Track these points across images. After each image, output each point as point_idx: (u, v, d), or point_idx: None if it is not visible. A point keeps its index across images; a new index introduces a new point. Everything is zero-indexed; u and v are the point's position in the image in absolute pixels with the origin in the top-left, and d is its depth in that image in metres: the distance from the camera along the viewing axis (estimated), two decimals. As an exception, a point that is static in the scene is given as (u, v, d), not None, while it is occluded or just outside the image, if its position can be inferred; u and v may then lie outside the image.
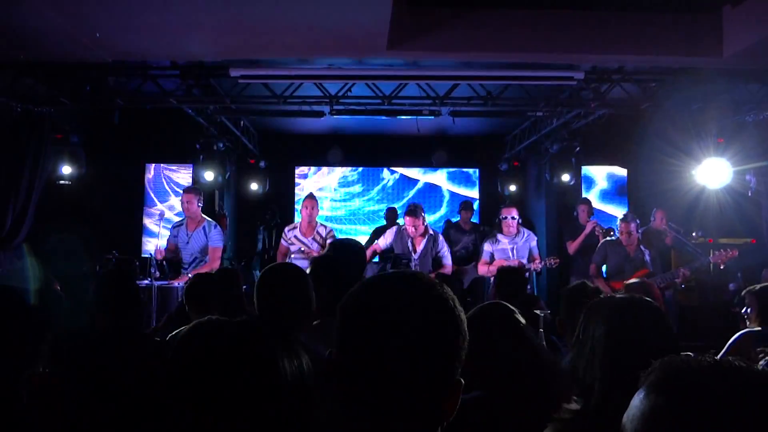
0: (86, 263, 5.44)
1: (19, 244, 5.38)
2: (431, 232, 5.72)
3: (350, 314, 0.91)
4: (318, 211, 5.82)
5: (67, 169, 6.23)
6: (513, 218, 5.86)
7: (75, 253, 5.37)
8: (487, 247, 5.96)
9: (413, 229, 5.53)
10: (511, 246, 5.85)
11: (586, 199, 7.32)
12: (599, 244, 5.95)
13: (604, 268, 5.89)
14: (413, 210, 5.58)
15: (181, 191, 5.82)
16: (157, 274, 5.50)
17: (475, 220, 7.91)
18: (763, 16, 4.28)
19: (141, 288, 5.38)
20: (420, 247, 5.59)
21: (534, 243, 6.00)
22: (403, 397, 0.86)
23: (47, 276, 4.70)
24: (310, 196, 5.84)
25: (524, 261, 5.81)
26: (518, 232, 5.92)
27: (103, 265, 5.55)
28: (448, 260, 5.71)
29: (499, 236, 5.92)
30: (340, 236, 6.70)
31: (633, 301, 1.67)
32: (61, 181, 6.26)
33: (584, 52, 4.80)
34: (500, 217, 5.96)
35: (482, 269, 5.92)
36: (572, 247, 6.70)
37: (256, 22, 4.27)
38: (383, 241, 5.74)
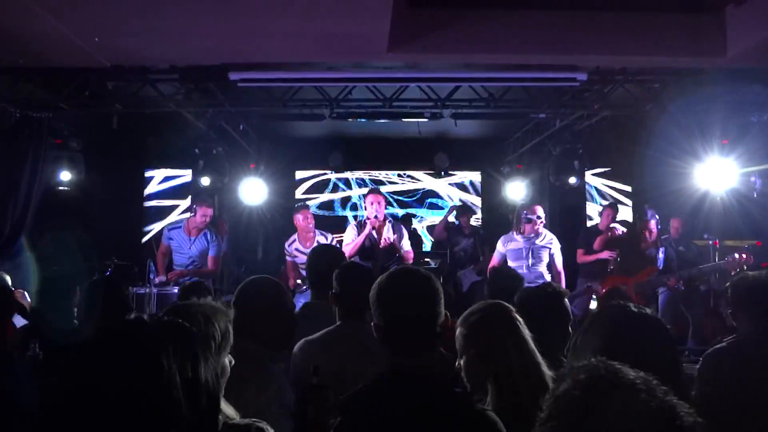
0: (81, 264, 5.47)
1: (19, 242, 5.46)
2: (390, 218, 5.52)
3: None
4: (313, 221, 5.81)
5: (66, 175, 6.25)
6: (539, 218, 5.46)
7: (69, 254, 5.39)
8: (499, 246, 5.66)
9: (378, 207, 5.24)
10: (527, 246, 5.48)
11: (612, 203, 7.07)
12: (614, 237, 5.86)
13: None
14: (376, 189, 5.45)
15: (196, 203, 5.91)
16: (156, 280, 5.54)
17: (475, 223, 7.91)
18: (767, 16, 4.27)
19: (140, 295, 5.46)
20: (384, 236, 5.28)
21: (556, 249, 5.52)
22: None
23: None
24: (305, 207, 5.93)
25: (537, 268, 5.43)
26: (540, 233, 5.52)
27: (101, 272, 5.57)
28: (408, 246, 5.45)
29: (515, 235, 5.55)
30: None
31: (634, 313, 1.65)
32: (60, 187, 6.28)
33: (587, 52, 4.77)
34: (524, 215, 5.51)
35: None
36: (583, 258, 6.50)
37: (255, 26, 4.27)
38: (349, 238, 5.37)
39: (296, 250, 5.71)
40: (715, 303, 5.89)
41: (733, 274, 5.27)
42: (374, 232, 5.30)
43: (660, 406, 0.92)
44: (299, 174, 9.30)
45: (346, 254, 5.04)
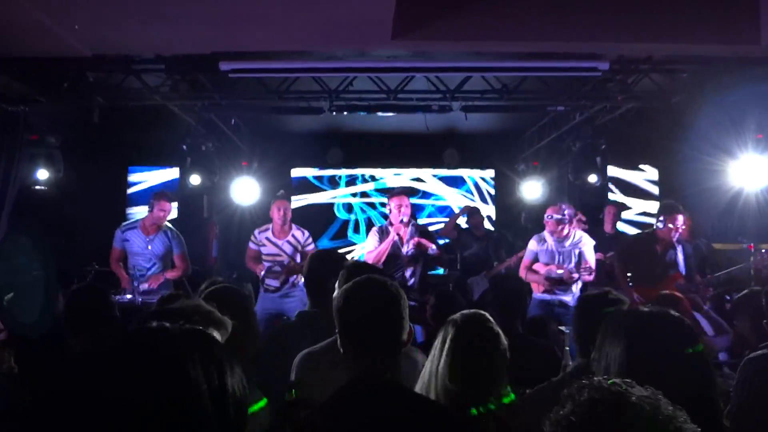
0: (39, 265, 5.41)
1: None
2: (413, 220, 5.54)
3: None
4: (290, 212, 5.88)
5: (43, 173, 6.20)
6: (559, 218, 5.53)
7: (44, 258, 5.32)
8: (532, 245, 5.71)
9: (405, 210, 5.24)
10: (557, 248, 5.59)
11: (613, 201, 7.13)
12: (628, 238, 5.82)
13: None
14: (399, 189, 5.49)
15: (154, 197, 5.83)
16: (141, 288, 5.48)
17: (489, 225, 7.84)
18: (806, -1, 4.22)
19: (123, 304, 5.39)
20: (407, 240, 5.30)
21: (586, 248, 5.59)
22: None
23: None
24: (282, 197, 5.96)
25: (572, 270, 5.48)
26: (568, 234, 5.59)
27: (80, 279, 5.51)
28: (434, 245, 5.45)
29: (547, 235, 5.64)
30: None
31: (658, 315, 1.65)
32: (37, 186, 6.23)
33: (609, 40, 4.70)
34: (548, 216, 5.65)
35: (522, 273, 5.59)
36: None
37: (248, 11, 4.21)
38: (371, 245, 5.38)
39: (266, 239, 5.77)
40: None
41: (764, 272, 5.36)
42: (396, 237, 5.30)
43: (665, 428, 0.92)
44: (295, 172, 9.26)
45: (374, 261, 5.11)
